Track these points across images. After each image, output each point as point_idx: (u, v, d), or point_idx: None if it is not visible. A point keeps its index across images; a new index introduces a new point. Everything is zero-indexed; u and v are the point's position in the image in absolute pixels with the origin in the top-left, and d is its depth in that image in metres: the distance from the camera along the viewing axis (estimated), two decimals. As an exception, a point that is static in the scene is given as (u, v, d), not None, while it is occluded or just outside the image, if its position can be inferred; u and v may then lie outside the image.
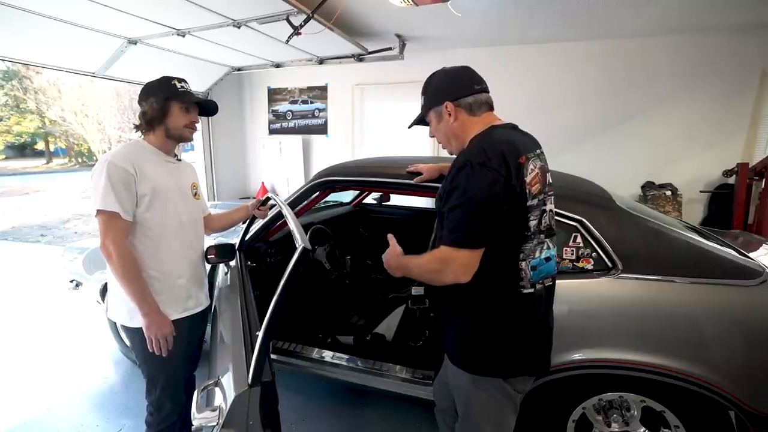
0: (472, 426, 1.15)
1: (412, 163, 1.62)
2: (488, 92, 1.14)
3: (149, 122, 1.39)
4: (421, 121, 1.25)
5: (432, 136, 1.22)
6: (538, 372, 1.12)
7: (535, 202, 1.02)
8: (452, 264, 0.98)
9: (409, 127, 1.34)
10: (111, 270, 1.31)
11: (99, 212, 1.27)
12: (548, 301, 1.13)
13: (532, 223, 1.02)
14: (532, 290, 1.04)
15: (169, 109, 1.38)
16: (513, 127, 1.12)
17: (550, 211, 1.11)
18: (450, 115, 1.11)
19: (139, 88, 1.42)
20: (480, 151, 0.99)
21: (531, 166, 1.02)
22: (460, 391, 1.17)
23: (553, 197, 1.13)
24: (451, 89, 1.11)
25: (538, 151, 1.09)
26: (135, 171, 1.30)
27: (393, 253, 1.13)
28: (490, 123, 1.10)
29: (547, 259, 1.08)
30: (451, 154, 1.20)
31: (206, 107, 1.50)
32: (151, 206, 1.35)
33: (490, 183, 0.95)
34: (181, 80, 1.41)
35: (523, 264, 1.03)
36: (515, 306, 1.05)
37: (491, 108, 1.14)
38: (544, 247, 1.07)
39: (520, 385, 1.11)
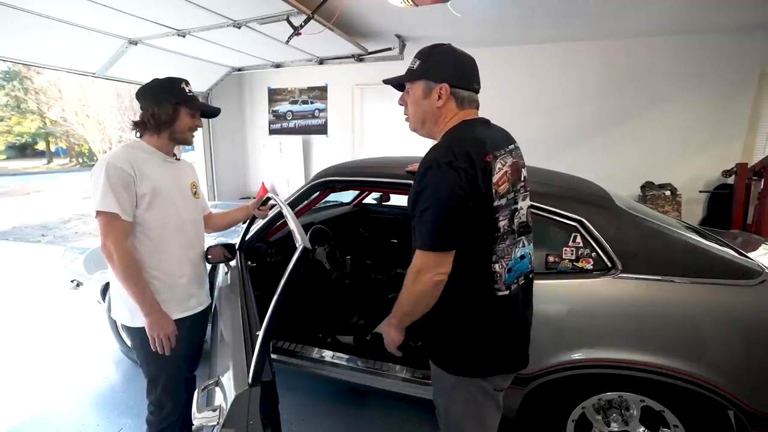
0: (454, 426, 1.14)
1: (411, 163, 1.62)
2: (478, 93, 1.11)
3: (158, 125, 1.38)
4: (398, 84, 1.15)
5: (401, 104, 1.14)
6: (517, 368, 1.12)
7: (503, 202, 1.00)
8: (426, 268, 0.96)
9: (385, 82, 1.19)
10: (112, 271, 1.31)
11: (99, 213, 1.27)
12: (526, 299, 1.11)
13: (502, 223, 1.00)
14: (507, 292, 1.03)
15: (178, 113, 1.38)
16: (484, 122, 1.09)
17: (528, 207, 1.09)
18: (440, 98, 1.05)
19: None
20: (447, 150, 0.96)
21: (498, 165, 0.99)
22: (441, 391, 1.17)
23: (528, 194, 1.11)
24: (455, 75, 1.06)
25: (510, 147, 1.06)
26: (134, 172, 1.31)
27: (383, 328, 1.15)
28: (465, 117, 1.07)
29: (522, 257, 1.06)
30: (413, 131, 1.15)
31: (208, 111, 1.51)
32: (150, 206, 1.35)
33: (457, 181, 0.93)
34: (187, 83, 1.42)
35: (497, 266, 1.01)
36: (490, 309, 1.03)
37: (477, 108, 1.11)
38: (520, 246, 1.05)
39: (499, 383, 1.11)
